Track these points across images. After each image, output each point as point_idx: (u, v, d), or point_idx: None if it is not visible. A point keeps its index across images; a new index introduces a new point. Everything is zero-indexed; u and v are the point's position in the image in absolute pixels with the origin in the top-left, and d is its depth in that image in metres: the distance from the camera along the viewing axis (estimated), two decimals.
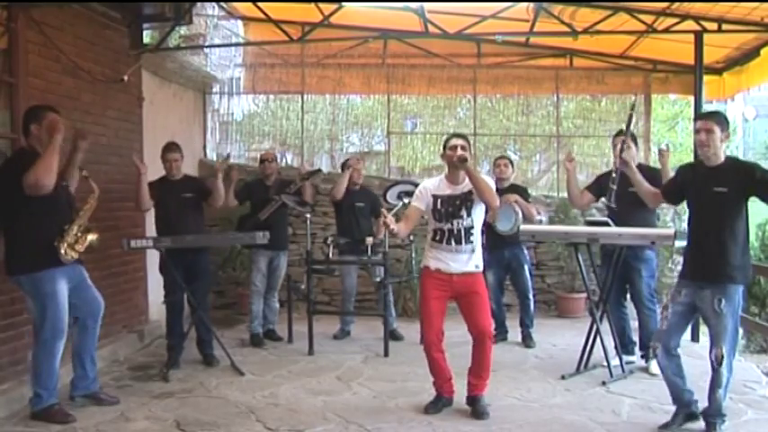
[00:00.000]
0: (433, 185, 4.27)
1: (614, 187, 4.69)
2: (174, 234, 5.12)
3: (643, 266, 5.05)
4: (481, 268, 4.24)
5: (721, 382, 3.74)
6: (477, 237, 4.20)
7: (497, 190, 5.87)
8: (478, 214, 4.21)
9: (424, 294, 4.27)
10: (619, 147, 4.64)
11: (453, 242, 4.14)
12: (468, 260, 4.17)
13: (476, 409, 4.19)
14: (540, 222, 6.39)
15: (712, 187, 3.71)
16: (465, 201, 4.16)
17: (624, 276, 5.07)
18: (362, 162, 6.57)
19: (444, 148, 4.26)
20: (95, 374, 4.43)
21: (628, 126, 4.68)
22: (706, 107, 6.11)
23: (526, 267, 6.08)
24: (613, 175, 4.72)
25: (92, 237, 4.26)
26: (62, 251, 4.04)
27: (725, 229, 3.70)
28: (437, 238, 4.20)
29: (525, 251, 6.15)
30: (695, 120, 3.91)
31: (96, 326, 4.38)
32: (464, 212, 4.15)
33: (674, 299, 3.91)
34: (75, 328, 4.29)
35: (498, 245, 5.87)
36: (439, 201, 4.19)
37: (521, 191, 6.01)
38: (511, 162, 6.15)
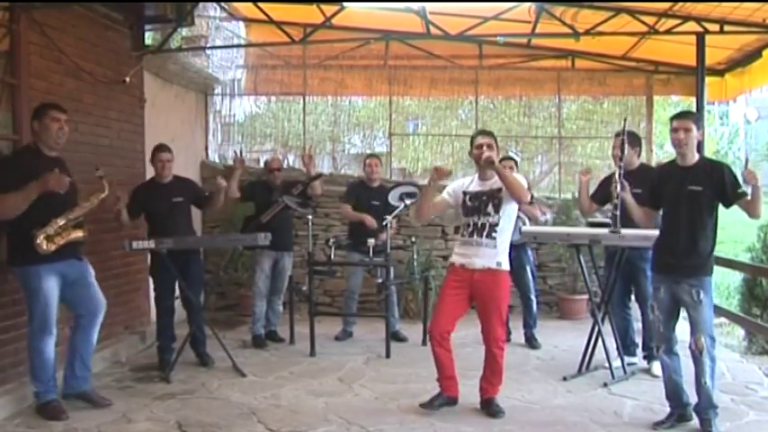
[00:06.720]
0: (464, 183, 4.38)
1: (617, 213, 4.61)
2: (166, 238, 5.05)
3: (648, 266, 5.02)
4: (504, 267, 4.21)
5: (705, 371, 3.80)
6: (502, 234, 4.19)
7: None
8: (508, 213, 4.22)
9: (441, 289, 4.40)
10: (616, 173, 4.53)
11: (475, 235, 4.19)
12: (491, 256, 4.17)
13: (490, 410, 4.22)
14: (546, 222, 6.41)
15: (687, 186, 3.82)
16: (492, 197, 4.19)
17: (629, 277, 5.08)
18: (379, 160, 6.53)
19: (471, 145, 4.32)
20: (86, 375, 4.38)
21: (622, 151, 4.63)
22: (708, 108, 6.11)
23: (528, 268, 6.09)
24: (615, 201, 4.58)
25: (76, 234, 4.17)
26: (38, 240, 3.97)
27: (700, 226, 3.82)
28: (462, 232, 4.30)
29: (529, 252, 6.21)
30: (672, 119, 3.96)
31: (92, 326, 4.35)
32: (491, 209, 4.18)
33: (657, 297, 4.00)
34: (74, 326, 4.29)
35: None
36: (467, 196, 4.29)
37: None
38: (515, 163, 6.05)
